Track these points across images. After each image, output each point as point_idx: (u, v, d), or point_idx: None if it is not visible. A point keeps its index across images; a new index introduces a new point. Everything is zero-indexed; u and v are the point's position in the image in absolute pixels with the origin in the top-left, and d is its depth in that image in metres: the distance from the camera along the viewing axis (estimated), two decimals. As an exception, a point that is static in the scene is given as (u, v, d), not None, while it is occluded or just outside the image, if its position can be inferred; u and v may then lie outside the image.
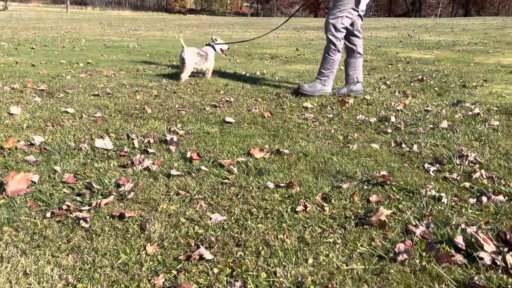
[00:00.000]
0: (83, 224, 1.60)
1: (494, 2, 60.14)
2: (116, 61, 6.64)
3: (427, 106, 3.58)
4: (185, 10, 66.77)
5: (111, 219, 1.66)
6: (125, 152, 2.40)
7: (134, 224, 1.62)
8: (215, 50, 4.98)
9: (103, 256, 1.42)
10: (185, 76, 4.69)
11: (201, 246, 1.45)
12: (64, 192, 1.88)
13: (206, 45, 5.01)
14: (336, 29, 3.84)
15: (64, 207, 1.72)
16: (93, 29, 17.14)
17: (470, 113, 3.32)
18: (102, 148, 2.44)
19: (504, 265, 1.34)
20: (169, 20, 30.44)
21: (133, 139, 2.59)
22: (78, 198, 1.82)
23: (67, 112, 3.26)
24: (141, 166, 2.17)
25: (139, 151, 2.43)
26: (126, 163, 2.22)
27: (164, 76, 5.15)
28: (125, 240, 1.52)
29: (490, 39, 11.91)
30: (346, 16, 3.82)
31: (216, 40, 5.11)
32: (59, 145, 2.49)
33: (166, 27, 20.36)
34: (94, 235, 1.54)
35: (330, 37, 3.89)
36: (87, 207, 1.73)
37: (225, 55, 5.55)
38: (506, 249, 1.40)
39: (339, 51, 3.94)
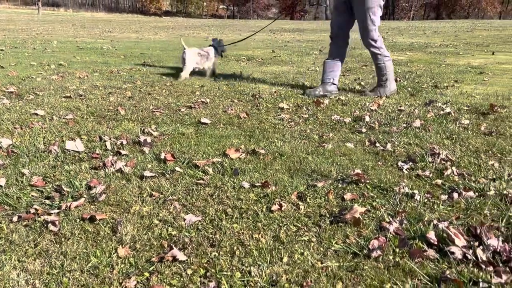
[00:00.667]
0: (51, 227, 1.55)
1: (464, 6, 61.87)
2: (89, 62, 6.51)
3: (400, 106, 3.64)
4: (161, 12, 66.17)
5: (82, 222, 1.61)
6: (97, 154, 2.34)
7: (105, 227, 1.58)
8: (216, 50, 5.26)
9: (72, 260, 1.37)
10: (184, 74, 4.93)
11: (174, 247, 1.43)
12: (32, 196, 1.82)
13: (209, 45, 5.27)
14: (375, 42, 3.97)
15: (32, 210, 1.66)
16: (66, 30, 16.78)
17: (441, 112, 3.39)
18: (73, 151, 2.38)
19: (474, 259, 1.37)
20: (144, 22, 30.09)
21: (105, 141, 2.53)
22: (47, 202, 1.77)
23: (36, 114, 3.17)
24: (114, 168, 2.12)
25: (111, 153, 2.38)
26: (98, 165, 2.16)
27: (139, 77, 5.08)
28: (95, 243, 1.48)
29: (460, 41, 12.24)
30: (376, 27, 3.96)
31: (221, 40, 5.41)
32: (27, 147, 2.42)
33: (141, 29, 20.12)
34: (63, 239, 1.49)
35: (373, 50, 4.02)
36: (56, 210, 1.68)
37: (221, 55, 5.63)
38: (476, 244, 1.43)
39: (386, 55, 4.06)
